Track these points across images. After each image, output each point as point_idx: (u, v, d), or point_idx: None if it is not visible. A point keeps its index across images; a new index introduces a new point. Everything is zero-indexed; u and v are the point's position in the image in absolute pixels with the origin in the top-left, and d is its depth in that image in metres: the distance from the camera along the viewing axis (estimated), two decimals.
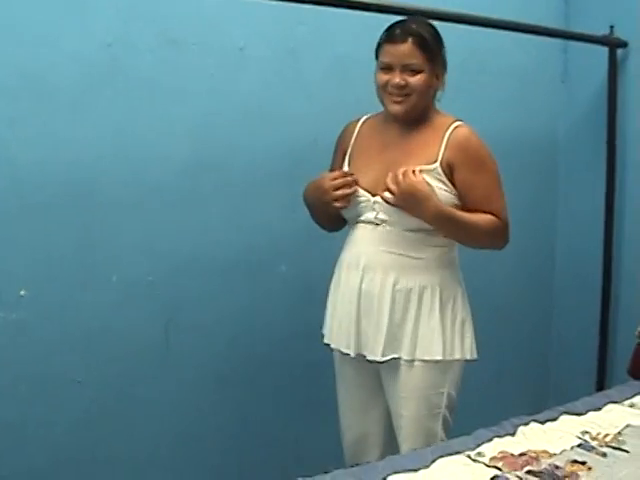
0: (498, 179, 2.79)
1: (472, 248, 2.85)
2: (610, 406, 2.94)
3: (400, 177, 2.60)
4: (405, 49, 2.66)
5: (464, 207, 2.72)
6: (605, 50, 4.03)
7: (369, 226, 2.77)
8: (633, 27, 3.98)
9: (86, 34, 2.86)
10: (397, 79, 2.67)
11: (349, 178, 2.76)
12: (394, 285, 2.71)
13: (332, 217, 2.92)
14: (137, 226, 3.03)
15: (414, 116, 2.75)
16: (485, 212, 2.72)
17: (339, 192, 2.74)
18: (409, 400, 2.77)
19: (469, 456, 2.46)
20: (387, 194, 2.64)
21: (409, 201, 2.62)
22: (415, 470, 2.35)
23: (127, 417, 3.09)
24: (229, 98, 3.15)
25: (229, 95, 3.16)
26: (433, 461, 2.41)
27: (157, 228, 3.07)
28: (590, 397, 3.08)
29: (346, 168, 2.85)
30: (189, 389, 3.22)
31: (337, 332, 2.86)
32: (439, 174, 2.67)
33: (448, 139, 2.70)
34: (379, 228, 2.73)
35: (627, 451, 2.51)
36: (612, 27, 3.99)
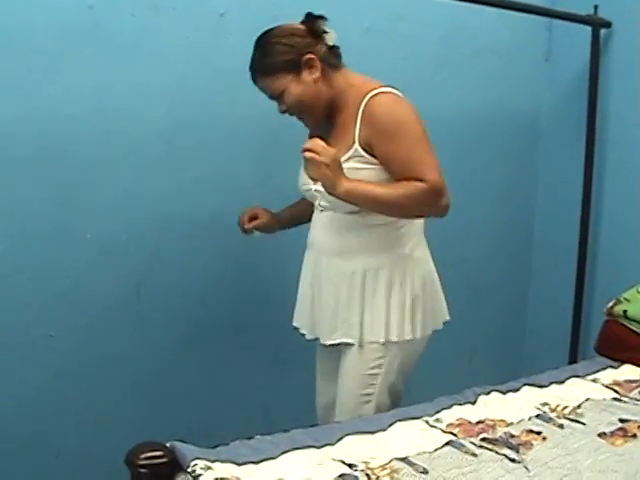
0: (418, 140, 2.55)
1: (409, 218, 2.69)
2: (573, 380, 2.98)
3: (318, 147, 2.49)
4: (259, 84, 2.70)
5: (390, 174, 2.59)
6: (589, 30, 4.04)
7: (317, 211, 2.79)
8: (617, 7, 3.99)
9: None
10: (279, 108, 2.72)
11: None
12: (338, 268, 2.71)
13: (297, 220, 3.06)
14: (112, 185, 3.05)
15: (327, 110, 2.70)
16: (409, 179, 2.53)
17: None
18: (343, 381, 2.79)
19: (427, 422, 2.51)
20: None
21: (325, 172, 2.49)
22: (372, 432, 2.40)
23: (97, 372, 3.14)
24: (208, 62, 3.17)
25: (208, 59, 3.17)
26: (391, 425, 2.46)
27: (132, 188, 3.10)
28: (555, 370, 3.11)
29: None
30: (159, 346, 3.27)
31: (299, 313, 2.92)
32: (361, 155, 2.58)
33: (362, 116, 2.57)
34: (324, 212, 2.73)
35: (584, 423, 2.56)
36: (596, 7, 4.00)
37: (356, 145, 2.57)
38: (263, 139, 3.37)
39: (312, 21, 2.66)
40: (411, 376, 2.85)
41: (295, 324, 2.93)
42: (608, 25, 4.04)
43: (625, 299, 3.36)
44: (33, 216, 2.93)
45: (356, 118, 2.58)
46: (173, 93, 3.13)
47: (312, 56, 2.62)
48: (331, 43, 2.67)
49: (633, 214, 4.00)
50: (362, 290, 2.69)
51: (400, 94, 2.60)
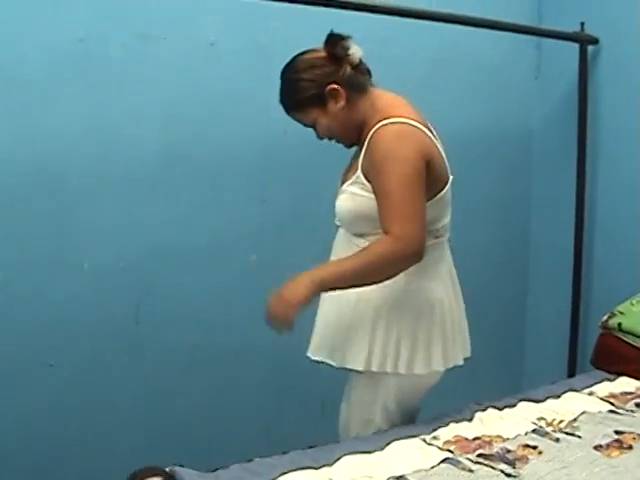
0: (401, 184, 2.47)
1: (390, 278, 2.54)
2: (569, 394, 2.99)
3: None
4: (294, 117, 2.69)
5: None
6: (577, 46, 4.08)
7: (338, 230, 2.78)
8: (603, 24, 4.03)
9: (58, 29, 2.93)
10: (316, 134, 2.71)
11: None
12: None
13: None
14: (108, 214, 3.09)
15: (357, 135, 2.66)
16: (383, 224, 2.49)
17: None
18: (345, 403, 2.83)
19: (424, 440, 2.52)
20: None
21: (281, 303, 2.49)
22: (370, 452, 2.41)
23: (98, 399, 3.16)
24: (199, 91, 3.21)
25: (199, 88, 3.21)
26: (388, 444, 2.47)
27: (128, 216, 3.13)
28: (551, 385, 3.13)
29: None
30: (158, 372, 3.29)
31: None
32: (363, 183, 2.56)
33: (367, 144, 2.56)
34: (340, 231, 2.73)
35: (580, 437, 2.56)
36: (583, 24, 4.04)
37: (359, 172, 2.57)
38: (256, 163, 3.40)
39: (333, 44, 2.61)
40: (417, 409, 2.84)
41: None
42: (595, 41, 4.08)
43: (619, 312, 3.38)
44: (30, 245, 2.97)
45: (364, 147, 2.58)
46: (165, 121, 3.17)
47: (335, 86, 2.58)
48: (356, 61, 2.64)
49: (626, 228, 4.03)
50: (351, 316, 2.65)
51: (414, 125, 2.54)
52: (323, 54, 2.61)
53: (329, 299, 2.70)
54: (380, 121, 2.53)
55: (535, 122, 4.47)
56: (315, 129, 2.68)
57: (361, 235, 2.62)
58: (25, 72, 2.88)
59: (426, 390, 2.79)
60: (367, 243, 2.56)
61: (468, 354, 2.86)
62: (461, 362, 2.79)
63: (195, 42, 3.18)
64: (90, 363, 3.13)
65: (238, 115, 3.20)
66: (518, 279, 4.59)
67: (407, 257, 2.47)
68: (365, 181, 2.55)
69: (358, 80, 2.64)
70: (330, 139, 2.72)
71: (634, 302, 3.42)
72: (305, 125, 2.69)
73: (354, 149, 2.73)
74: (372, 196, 2.52)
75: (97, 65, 2.99)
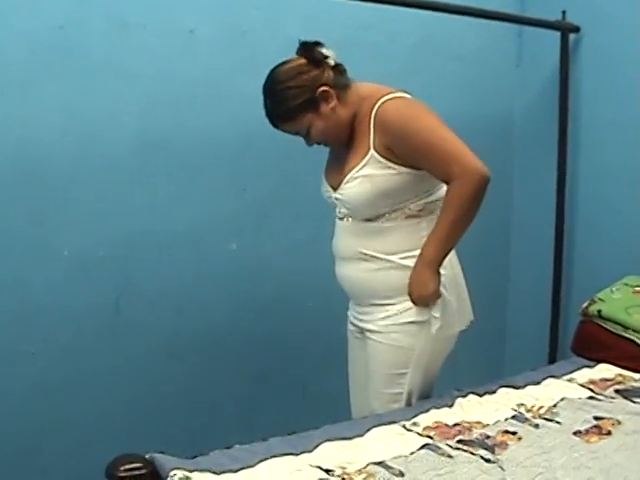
0: (433, 131, 2.60)
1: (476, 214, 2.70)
2: (549, 380, 3.01)
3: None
4: (284, 129, 2.73)
5: (427, 171, 2.65)
6: (558, 35, 4.09)
7: (338, 220, 2.84)
8: (585, 12, 4.04)
9: (38, 16, 2.91)
10: (307, 143, 2.79)
11: None
12: (358, 270, 2.78)
13: None
14: (87, 202, 3.08)
15: (349, 131, 2.75)
16: (443, 175, 2.62)
17: None
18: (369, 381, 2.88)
19: (404, 426, 2.54)
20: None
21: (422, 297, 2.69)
22: (349, 438, 2.42)
23: (79, 387, 3.16)
24: (179, 79, 3.20)
25: (179, 76, 3.20)
26: (368, 430, 2.48)
27: (107, 204, 3.12)
28: (531, 372, 3.14)
29: (324, 166, 2.93)
30: (139, 359, 3.29)
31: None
32: (378, 160, 2.63)
33: (375, 122, 2.64)
34: (344, 221, 2.79)
35: (559, 422, 2.58)
36: (564, 12, 4.05)
37: (371, 151, 2.63)
38: (235, 151, 3.40)
39: (310, 50, 2.68)
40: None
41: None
42: (577, 30, 4.09)
43: (599, 299, 3.40)
44: (10, 234, 2.97)
45: (369, 127, 2.65)
46: (145, 109, 3.16)
47: (325, 88, 2.66)
48: (334, 63, 2.71)
49: (607, 214, 4.05)
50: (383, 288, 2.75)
51: (409, 96, 2.69)
52: (303, 61, 2.67)
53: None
54: (377, 102, 2.64)
55: (516, 110, 4.49)
56: (306, 136, 2.74)
57: (376, 218, 2.70)
58: (3, 58, 2.87)
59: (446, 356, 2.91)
60: (386, 224, 2.69)
61: (472, 318, 2.99)
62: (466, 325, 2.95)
63: (175, 29, 3.17)
64: (71, 351, 3.12)
65: (218, 103, 3.18)
66: (499, 266, 4.61)
67: (481, 185, 2.62)
68: (382, 159, 2.62)
69: (341, 79, 2.72)
70: (319, 144, 2.78)
71: (614, 289, 3.44)
72: (295, 134, 2.73)
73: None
74: (393, 171, 2.63)
75: (76, 52, 2.97)
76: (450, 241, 2.67)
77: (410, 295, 2.69)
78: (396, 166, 2.63)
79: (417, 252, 2.69)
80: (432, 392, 2.89)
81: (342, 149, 2.78)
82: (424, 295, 2.67)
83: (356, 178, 2.66)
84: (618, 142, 3.96)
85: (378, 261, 2.72)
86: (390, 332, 2.74)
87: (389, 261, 2.71)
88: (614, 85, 3.97)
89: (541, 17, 4.07)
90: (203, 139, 3.28)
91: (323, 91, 2.66)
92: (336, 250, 2.86)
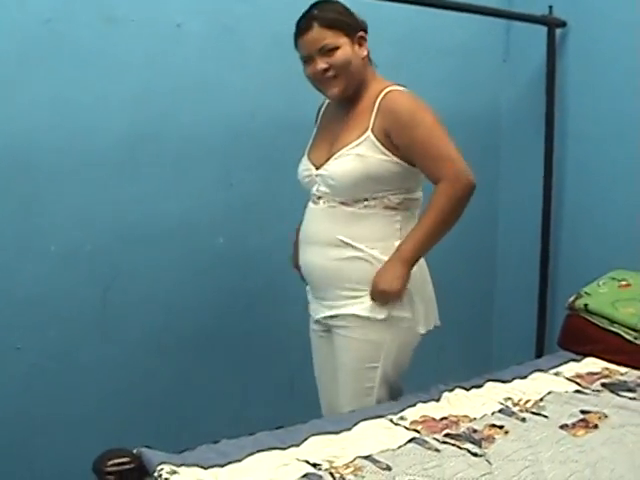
0: (435, 130, 2.67)
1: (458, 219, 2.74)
2: (536, 374, 3.03)
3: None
4: (314, 35, 2.66)
5: (416, 163, 2.68)
6: (545, 30, 4.10)
7: (311, 204, 2.83)
8: (571, 7, 4.06)
9: (24, 10, 2.90)
10: (318, 66, 2.68)
11: None
12: (333, 256, 2.75)
13: None
14: (75, 196, 3.07)
15: (352, 91, 2.75)
16: (433, 173, 2.66)
17: None
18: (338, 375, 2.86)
19: (391, 420, 2.55)
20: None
21: (384, 294, 2.68)
22: (337, 432, 2.43)
23: (66, 382, 3.15)
24: (166, 73, 3.18)
25: (167, 70, 3.19)
26: (355, 424, 2.49)
27: (94, 198, 3.11)
28: (518, 366, 3.16)
29: (308, 146, 2.92)
30: (126, 355, 3.27)
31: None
32: (373, 143, 2.65)
33: (379, 106, 2.66)
34: (320, 204, 2.77)
35: (546, 416, 2.60)
36: (551, 7, 4.07)
37: (369, 133, 2.65)
38: (223, 146, 3.39)
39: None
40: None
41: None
42: (563, 24, 4.10)
43: (586, 293, 3.41)
44: None
45: (372, 109, 2.67)
46: (133, 103, 3.15)
47: (365, 34, 2.76)
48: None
49: (593, 209, 4.07)
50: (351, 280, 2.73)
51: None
52: None
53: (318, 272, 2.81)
54: (385, 88, 2.69)
55: (504, 104, 4.50)
56: (327, 56, 2.67)
57: (354, 202, 2.70)
58: None
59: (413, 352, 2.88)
60: (362, 211, 2.69)
61: (438, 322, 2.97)
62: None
63: (162, 24, 3.16)
64: (58, 347, 3.11)
65: (206, 98, 3.18)
66: (486, 260, 4.62)
67: (468, 192, 2.69)
68: (378, 143, 2.65)
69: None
70: (327, 74, 2.69)
71: (600, 283, 3.45)
72: (316, 51, 2.66)
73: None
74: (385, 158, 2.66)
75: (64, 47, 2.96)
76: (429, 242, 2.69)
77: (374, 287, 2.67)
78: (390, 154, 2.66)
79: (387, 243, 2.71)
80: (403, 385, 2.89)
81: (334, 117, 2.83)
82: (388, 291, 2.66)
83: (348, 155, 2.66)
84: (604, 136, 3.98)
85: (350, 248, 2.71)
86: (358, 326, 2.74)
87: (360, 250, 2.70)
88: (600, 79, 3.98)
89: (528, 12, 4.07)
90: (191, 133, 3.27)
91: (362, 36, 2.75)
92: (306, 236, 2.85)
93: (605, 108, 3.96)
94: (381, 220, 2.73)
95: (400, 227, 2.74)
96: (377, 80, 2.79)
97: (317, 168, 2.77)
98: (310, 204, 2.84)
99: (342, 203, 2.71)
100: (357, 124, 2.71)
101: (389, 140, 2.65)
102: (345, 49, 2.68)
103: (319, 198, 2.78)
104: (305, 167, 2.85)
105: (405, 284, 2.67)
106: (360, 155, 2.65)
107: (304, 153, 2.89)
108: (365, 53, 2.76)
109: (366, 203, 2.70)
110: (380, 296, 2.67)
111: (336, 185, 2.69)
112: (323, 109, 3.01)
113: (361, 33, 2.74)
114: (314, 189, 2.79)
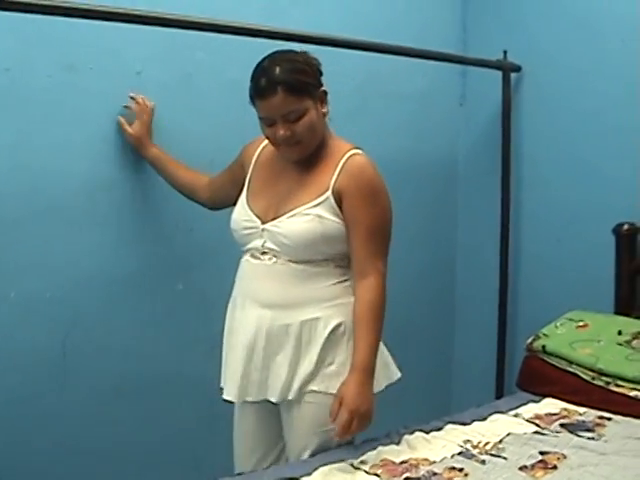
0: (385, 219, 2.66)
1: None
2: (495, 416, 3.05)
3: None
4: (278, 101, 2.52)
5: (349, 239, 2.63)
6: (500, 74, 4.18)
7: (251, 258, 2.73)
8: (525, 52, 4.15)
9: None
10: (282, 131, 2.56)
11: None
12: (273, 320, 2.65)
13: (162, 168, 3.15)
14: (34, 243, 3.04)
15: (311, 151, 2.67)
16: (362, 260, 2.61)
17: None
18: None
19: (352, 464, 2.55)
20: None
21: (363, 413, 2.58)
22: (297, 478, 2.42)
23: (25, 432, 3.09)
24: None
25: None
26: (316, 469, 2.48)
27: (54, 245, 3.08)
28: (477, 408, 3.18)
29: (244, 193, 2.81)
30: (86, 402, 3.22)
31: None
32: (331, 205, 2.59)
33: (342, 167, 2.59)
34: (266, 260, 2.68)
35: (505, 458, 2.62)
36: (505, 52, 4.15)
37: (328, 194, 2.59)
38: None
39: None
40: None
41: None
42: (518, 69, 4.19)
43: (544, 334, 3.45)
44: None
45: (334, 170, 2.60)
46: (94, 150, 3.14)
47: (326, 90, 2.67)
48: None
49: (550, 251, 4.14)
50: (300, 342, 2.65)
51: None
52: None
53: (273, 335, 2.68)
54: (349, 150, 2.64)
55: (460, 148, 4.57)
56: (292, 122, 2.55)
57: (308, 262, 2.63)
58: None
59: None
60: (315, 269, 2.63)
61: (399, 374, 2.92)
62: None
63: (121, 71, 3.16)
64: (16, 394, 3.06)
65: (165, 144, 3.19)
66: (445, 302, 4.67)
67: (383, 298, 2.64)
68: (335, 205, 2.59)
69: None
70: (289, 141, 2.59)
71: (558, 324, 3.50)
72: (284, 116, 2.54)
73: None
74: (339, 221, 2.59)
75: (22, 95, 2.95)
76: (378, 341, 2.64)
77: (350, 411, 2.53)
78: (339, 219, 2.61)
79: (339, 301, 2.67)
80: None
81: (283, 171, 2.73)
82: (363, 411, 2.56)
83: (307, 215, 2.59)
84: (560, 179, 4.06)
85: (306, 308, 2.64)
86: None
87: (315, 309, 2.64)
88: (555, 122, 4.08)
89: (483, 57, 4.15)
90: (151, 180, 3.26)
91: (324, 92, 2.66)
92: (251, 295, 2.74)
93: (560, 151, 4.06)
94: (332, 278, 2.68)
95: (349, 284, 2.70)
96: (334, 138, 2.73)
97: (263, 222, 2.69)
98: (249, 258, 2.75)
99: (290, 261, 2.64)
100: (315, 183, 2.63)
101: (341, 202, 2.60)
102: (310, 114, 2.58)
103: (263, 254, 2.70)
104: (246, 218, 2.74)
105: (373, 398, 2.61)
106: (320, 216, 2.58)
107: (240, 202, 2.81)
108: (326, 110, 2.67)
109: (318, 263, 2.65)
110: (361, 419, 2.57)
111: (290, 245, 2.60)
112: (258, 155, 2.87)
113: (323, 89, 2.65)
114: (256, 243, 2.70)
